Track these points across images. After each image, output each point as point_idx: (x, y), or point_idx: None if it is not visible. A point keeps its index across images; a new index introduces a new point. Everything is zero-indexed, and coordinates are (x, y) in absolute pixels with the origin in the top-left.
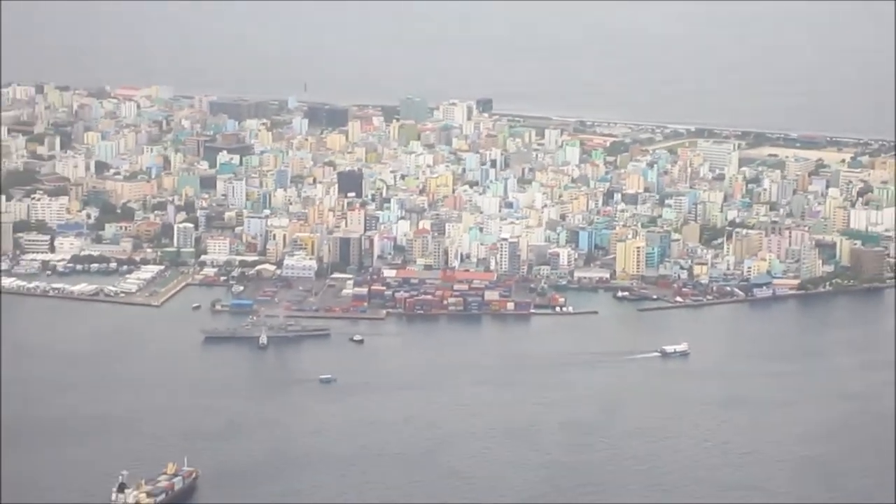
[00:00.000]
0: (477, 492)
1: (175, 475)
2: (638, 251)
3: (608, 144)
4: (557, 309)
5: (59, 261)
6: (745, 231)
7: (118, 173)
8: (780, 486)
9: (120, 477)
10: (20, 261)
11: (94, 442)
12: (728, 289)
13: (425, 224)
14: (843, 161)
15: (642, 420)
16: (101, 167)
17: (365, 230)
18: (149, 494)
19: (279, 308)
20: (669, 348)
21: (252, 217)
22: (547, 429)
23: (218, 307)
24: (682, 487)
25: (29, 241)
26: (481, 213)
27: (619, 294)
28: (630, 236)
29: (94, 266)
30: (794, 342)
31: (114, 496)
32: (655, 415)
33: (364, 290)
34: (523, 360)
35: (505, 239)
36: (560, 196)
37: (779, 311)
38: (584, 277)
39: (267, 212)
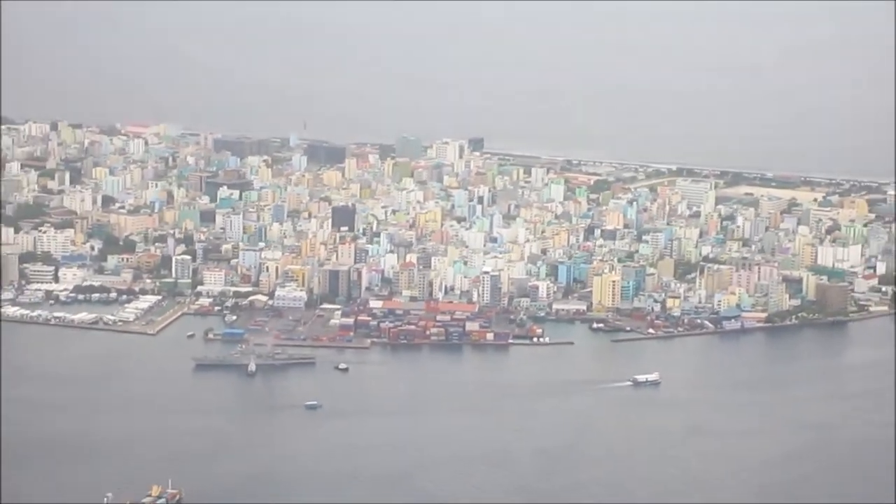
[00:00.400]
0: None
1: (159, 497)
2: (613, 284)
3: (592, 182)
4: (535, 339)
5: (61, 290)
6: (716, 266)
7: (123, 207)
8: None
9: (105, 499)
10: (25, 290)
11: (82, 463)
12: (699, 321)
13: (412, 257)
14: (815, 200)
15: (610, 447)
16: (108, 201)
17: (355, 263)
18: None
19: (269, 337)
20: (641, 378)
21: (247, 250)
22: (519, 455)
23: (211, 336)
24: None
25: (34, 271)
26: (467, 247)
27: (595, 325)
28: (606, 270)
29: (95, 296)
30: (759, 373)
31: None
32: (623, 442)
33: (350, 321)
34: (500, 389)
35: (487, 272)
36: (543, 231)
37: (747, 343)
38: (562, 309)
39: (262, 244)
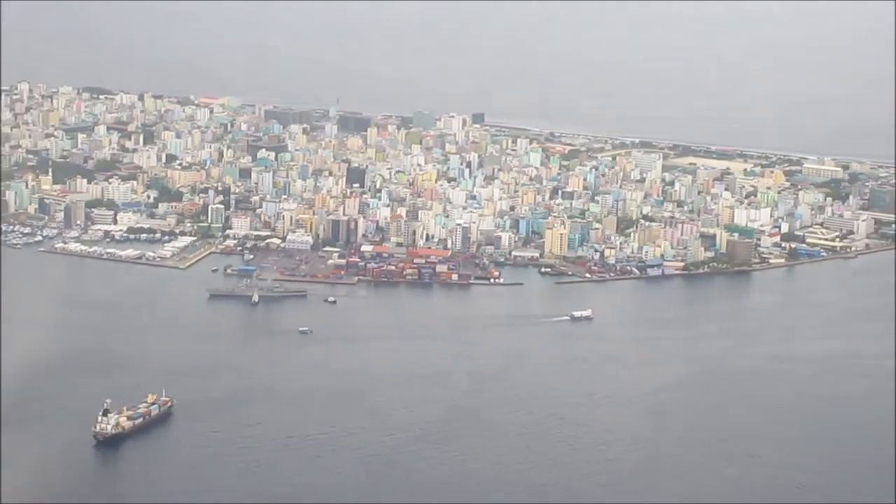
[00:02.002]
0: (388, 422)
1: (153, 403)
2: (562, 236)
3: (566, 151)
4: (492, 280)
5: (117, 231)
6: (649, 223)
7: (180, 164)
8: (621, 423)
9: (104, 404)
10: (88, 230)
11: (94, 375)
12: (628, 268)
13: (402, 210)
14: (744, 170)
15: (533, 371)
16: (171, 159)
17: (358, 214)
18: (129, 418)
19: (275, 273)
20: (577, 313)
21: (269, 201)
22: (458, 376)
23: (228, 271)
24: (541, 423)
25: (98, 214)
26: (451, 203)
27: (543, 270)
28: (558, 225)
29: (144, 236)
30: (671, 312)
31: (99, 419)
32: (546, 367)
33: (343, 261)
34: (456, 321)
35: (459, 224)
36: (515, 191)
37: (665, 287)
38: (519, 256)
39: (284, 197)
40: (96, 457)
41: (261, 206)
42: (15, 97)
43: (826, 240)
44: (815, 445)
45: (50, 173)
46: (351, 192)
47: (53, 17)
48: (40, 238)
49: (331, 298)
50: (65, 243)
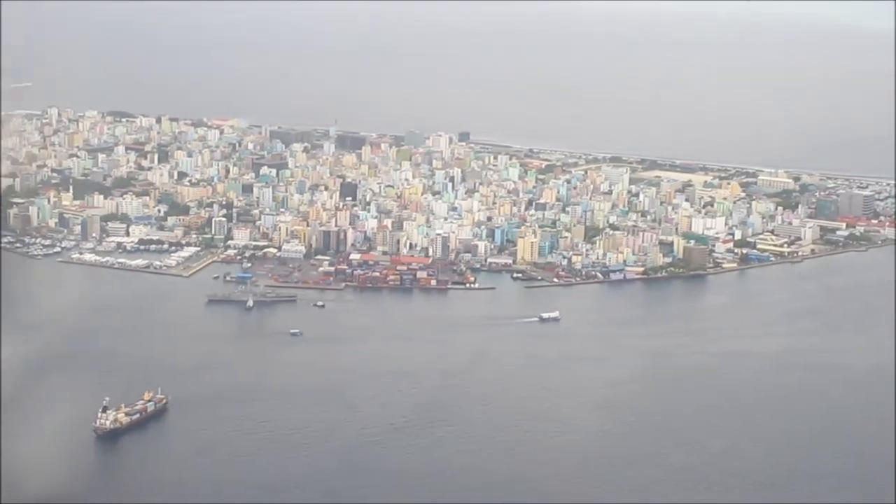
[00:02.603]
0: (360, 415)
1: (149, 401)
2: (533, 244)
3: (543, 166)
4: (468, 285)
5: (129, 242)
6: (612, 232)
7: (189, 181)
8: (573, 414)
9: (104, 402)
10: (102, 242)
11: (95, 373)
12: (593, 273)
13: (388, 222)
14: (704, 182)
15: (499, 367)
16: (182, 176)
17: (349, 225)
18: (126, 415)
19: (270, 279)
20: (545, 315)
21: (267, 214)
22: (429, 373)
23: (228, 278)
24: (497, 415)
25: (112, 227)
26: (433, 214)
27: (515, 275)
28: (530, 234)
29: (153, 247)
30: (630, 313)
31: (99, 415)
32: (510, 364)
33: (332, 269)
34: (432, 323)
35: (439, 234)
36: (493, 203)
37: (626, 290)
38: (494, 262)
39: (282, 210)
40: (96, 450)
41: (260, 219)
42: (45, 121)
43: (775, 246)
44: (753, 434)
45: (71, 190)
46: (343, 205)
47: (85, 46)
48: (59, 249)
49: (319, 303)
50: (80, 254)
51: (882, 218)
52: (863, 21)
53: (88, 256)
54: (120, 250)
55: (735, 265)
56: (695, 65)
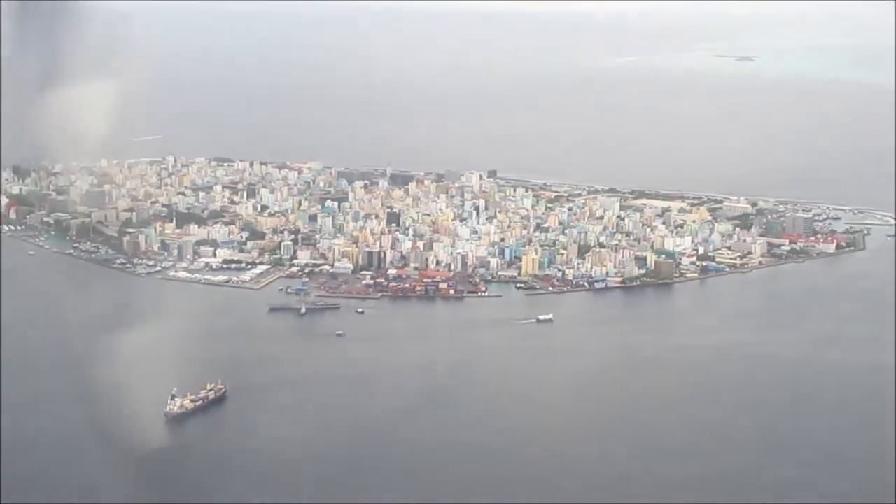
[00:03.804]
0: (378, 398)
1: (210, 390)
2: (534, 260)
3: (553, 197)
4: (480, 294)
5: (215, 262)
6: (599, 249)
7: (269, 212)
8: (550, 397)
9: (173, 390)
10: (195, 262)
11: (169, 369)
12: (581, 283)
13: (420, 243)
14: (680, 209)
15: (494, 360)
16: (264, 209)
17: (390, 246)
18: (191, 401)
19: (322, 291)
20: (541, 317)
21: (325, 238)
22: (440, 365)
23: (289, 290)
24: (488, 398)
25: (203, 250)
26: (458, 237)
27: (519, 285)
28: (532, 251)
29: (234, 265)
30: (609, 314)
31: (168, 402)
32: (505, 357)
33: (372, 282)
34: (448, 324)
35: (460, 252)
36: (507, 227)
37: (607, 297)
38: (503, 275)
39: (339, 235)
40: (167, 429)
41: (320, 242)
42: (162, 166)
43: (730, 259)
44: (696, 415)
45: (174, 221)
46: (388, 231)
47: (200, 99)
48: (159, 269)
49: (360, 310)
50: (175, 272)
51: (819, 235)
52: (836, 73)
53: (182, 274)
54: (207, 268)
55: (696, 275)
56: (682, 111)
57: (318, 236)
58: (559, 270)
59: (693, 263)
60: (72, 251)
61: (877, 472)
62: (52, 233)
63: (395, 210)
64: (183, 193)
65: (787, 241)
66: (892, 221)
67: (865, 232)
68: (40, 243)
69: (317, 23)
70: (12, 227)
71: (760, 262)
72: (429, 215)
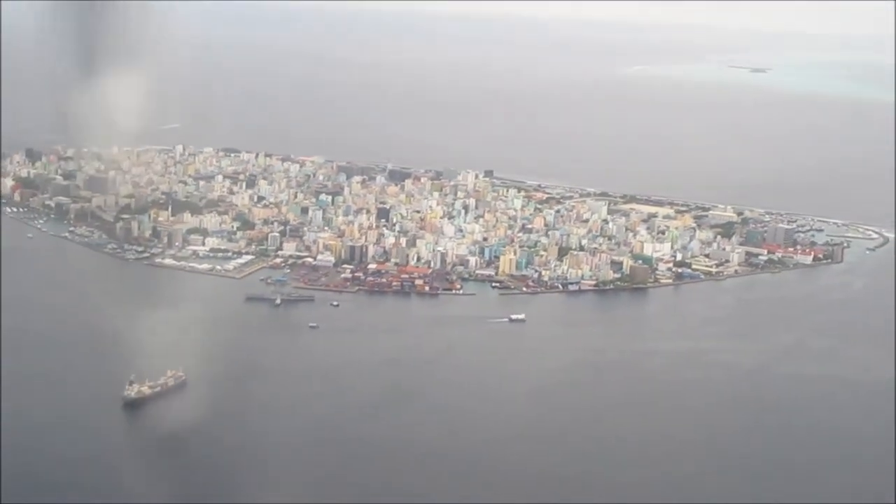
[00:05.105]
0: (345, 393)
1: (170, 377)
2: (511, 260)
3: (544, 198)
4: (454, 291)
5: (202, 250)
6: (577, 252)
7: (264, 204)
8: (509, 394)
9: (131, 377)
10: (183, 249)
11: (128, 356)
12: (555, 284)
13: (403, 239)
14: (666, 215)
15: (464, 356)
16: (260, 200)
17: (375, 242)
18: (149, 388)
19: (301, 283)
20: (514, 316)
21: (311, 231)
22: (408, 361)
23: (268, 281)
24: (450, 395)
25: (193, 238)
26: (443, 234)
27: (494, 285)
28: (511, 252)
29: (220, 254)
30: (580, 317)
31: (126, 388)
32: (473, 354)
33: (350, 276)
34: (420, 320)
35: (439, 250)
36: (493, 227)
37: (580, 299)
38: (480, 274)
39: (326, 228)
40: (123, 414)
41: (306, 235)
42: (170, 155)
43: (706, 266)
44: (647, 413)
45: (169, 209)
46: (375, 226)
47: (216, 91)
48: (147, 255)
49: (335, 302)
50: (162, 259)
51: (799, 246)
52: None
53: (168, 261)
54: (194, 256)
55: (671, 281)
56: (688, 119)
57: (305, 229)
58: (535, 271)
59: (669, 269)
60: (67, 235)
61: (797, 480)
62: (52, 216)
63: (386, 206)
64: (184, 182)
65: (765, 251)
66: (874, 236)
67: (845, 245)
68: (39, 226)
69: (346, 21)
70: (15, 210)
71: (736, 271)
72: (419, 212)
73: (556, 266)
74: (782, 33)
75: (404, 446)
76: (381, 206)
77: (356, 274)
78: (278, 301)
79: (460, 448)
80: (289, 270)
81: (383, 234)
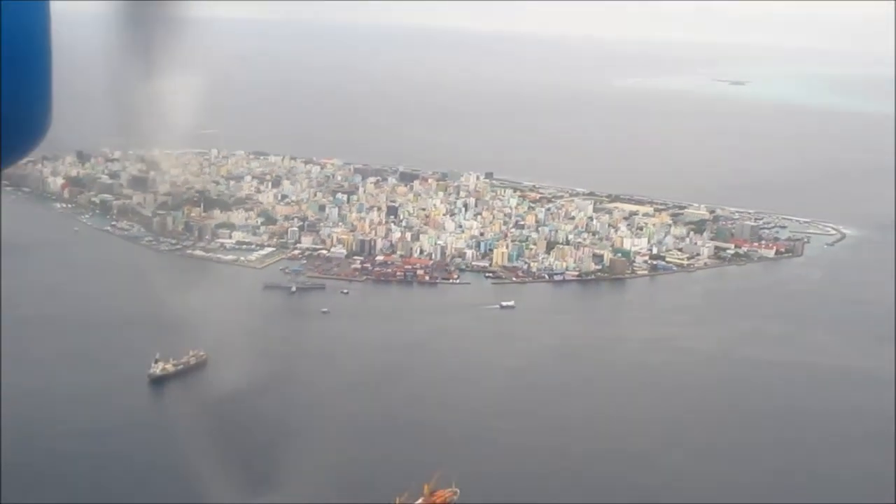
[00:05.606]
0: (341, 372)
1: (192, 356)
2: (504, 253)
3: (538, 198)
4: (452, 281)
5: (230, 243)
6: (563, 246)
7: (286, 202)
8: (488, 374)
9: (156, 355)
10: (212, 242)
11: (155, 337)
12: (542, 275)
13: (408, 234)
14: (646, 213)
15: (452, 341)
16: (283, 198)
17: (384, 236)
18: (173, 366)
19: (316, 272)
20: (504, 303)
21: (326, 226)
22: (398, 345)
23: (286, 271)
24: (434, 378)
25: (221, 232)
26: (444, 230)
27: (487, 275)
28: (503, 245)
29: (244, 247)
30: (564, 305)
31: (151, 365)
32: (461, 338)
33: (359, 266)
34: (419, 307)
35: (439, 243)
36: (489, 223)
37: (564, 289)
38: (475, 265)
39: (340, 224)
40: (149, 389)
41: (322, 230)
42: (206, 157)
43: (679, 259)
44: (615, 392)
45: (201, 206)
46: (385, 222)
47: (257, 98)
48: (179, 247)
49: (345, 290)
50: (192, 251)
51: (763, 241)
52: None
53: (197, 252)
54: (221, 248)
55: (646, 272)
56: (672, 126)
57: (322, 224)
58: (525, 263)
59: (646, 262)
60: (109, 228)
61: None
62: (97, 212)
63: (395, 204)
64: (217, 182)
65: (733, 246)
66: (832, 232)
67: (805, 240)
68: (84, 220)
69: (373, 36)
70: (64, 205)
71: (706, 264)
72: (424, 210)
73: (543, 258)
74: (761, 47)
75: (376, 424)
76: (391, 204)
77: (365, 264)
78: (293, 289)
79: (442, 420)
80: (305, 261)
81: (391, 229)
